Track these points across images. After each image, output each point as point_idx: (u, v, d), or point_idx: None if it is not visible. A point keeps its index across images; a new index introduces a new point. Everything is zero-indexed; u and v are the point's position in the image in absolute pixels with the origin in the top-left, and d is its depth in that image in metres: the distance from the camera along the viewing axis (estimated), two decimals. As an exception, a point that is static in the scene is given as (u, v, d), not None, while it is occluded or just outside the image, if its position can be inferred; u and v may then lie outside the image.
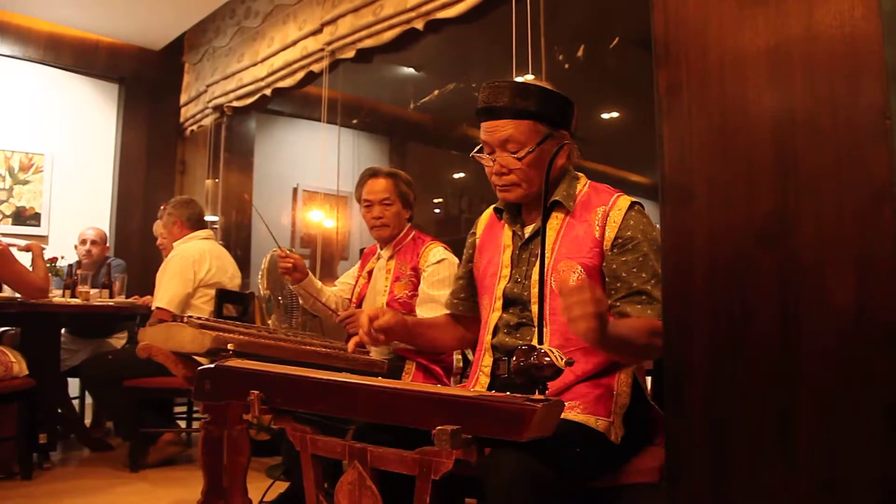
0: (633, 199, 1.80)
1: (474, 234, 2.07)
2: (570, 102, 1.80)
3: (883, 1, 1.07)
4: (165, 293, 3.78)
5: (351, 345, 1.80)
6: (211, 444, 2.07)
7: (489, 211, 2.05)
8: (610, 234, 1.74)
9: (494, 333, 1.84)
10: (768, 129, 1.17)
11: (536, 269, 1.74)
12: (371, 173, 3.08)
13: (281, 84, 5.20)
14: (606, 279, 1.72)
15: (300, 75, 5.01)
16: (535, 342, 1.37)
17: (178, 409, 4.55)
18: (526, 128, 1.74)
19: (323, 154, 5.42)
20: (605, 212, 1.77)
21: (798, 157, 1.14)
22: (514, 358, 1.22)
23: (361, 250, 3.50)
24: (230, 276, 4.04)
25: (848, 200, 1.08)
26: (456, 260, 2.87)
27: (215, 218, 5.93)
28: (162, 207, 4.32)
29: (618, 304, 1.69)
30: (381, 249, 3.11)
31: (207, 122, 6.08)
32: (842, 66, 1.10)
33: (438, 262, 2.89)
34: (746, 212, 1.20)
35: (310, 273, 3.12)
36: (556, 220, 1.81)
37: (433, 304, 2.73)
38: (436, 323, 2.12)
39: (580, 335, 1.43)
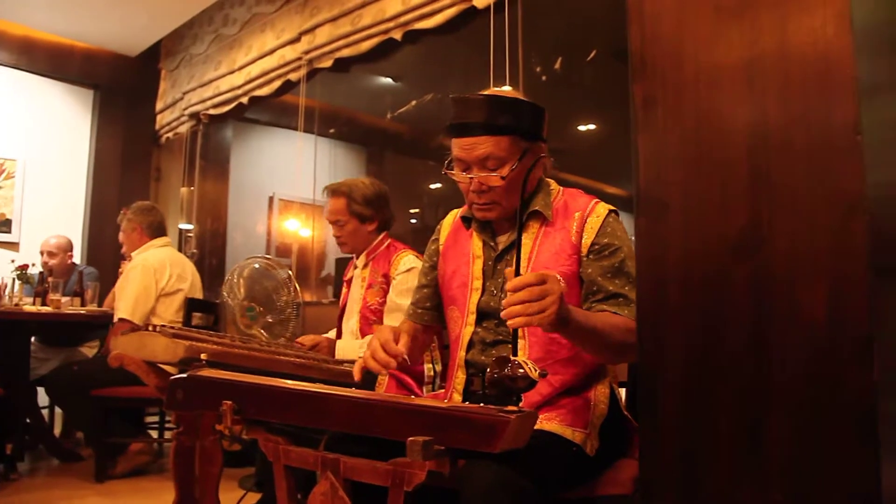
0: (610, 207, 1.80)
1: (437, 240, 2.02)
2: (541, 110, 1.78)
3: (855, 18, 1.08)
4: (128, 304, 3.73)
5: (357, 372, 1.68)
6: (183, 454, 2.04)
7: (452, 217, 2.02)
8: (587, 239, 1.73)
9: (468, 349, 1.82)
10: (743, 144, 1.18)
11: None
12: (329, 192, 3.09)
13: (258, 92, 5.18)
14: (584, 284, 1.72)
15: (277, 84, 5.01)
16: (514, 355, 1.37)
17: (150, 419, 4.49)
18: (506, 144, 1.70)
19: (299, 163, 5.40)
20: (582, 217, 1.76)
21: (772, 172, 1.15)
22: (488, 369, 1.22)
23: (336, 261, 3.51)
24: (189, 284, 4.00)
25: (820, 215, 1.09)
26: None
27: (190, 226, 5.88)
28: (122, 212, 4.25)
29: (593, 305, 1.68)
30: (356, 259, 3.11)
31: (183, 129, 6.05)
32: (815, 81, 1.11)
33: (408, 270, 2.89)
34: (721, 225, 1.20)
35: (328, 339, 3.07)
36: (532, 229, 1.78)
37: (399, 313, 2.72)
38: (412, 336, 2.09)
39: (538, 325, 1.41)
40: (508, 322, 1.37)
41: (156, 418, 4.49)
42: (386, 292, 2.93)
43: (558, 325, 1.42)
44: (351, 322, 3.02)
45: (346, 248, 3.11)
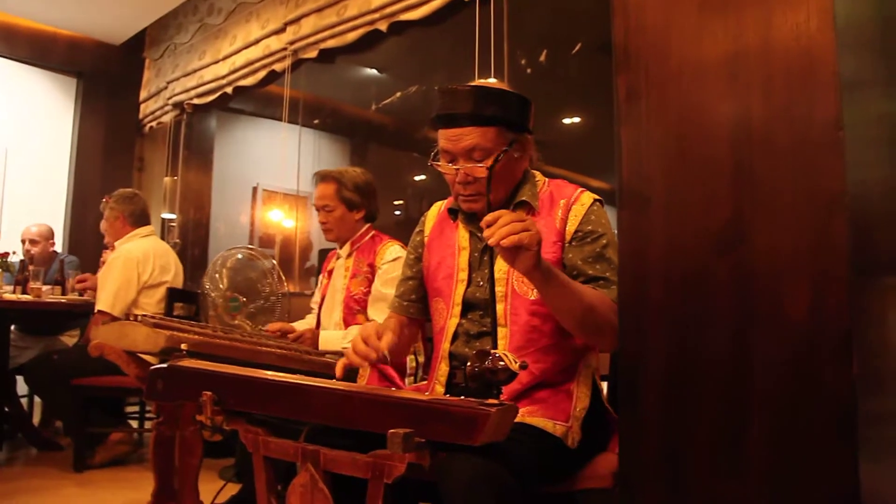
0: (596, 196, 1.80)
1: (421, 232, 2.01)
2: (528, 102, 1.77)
3: (837, 14, 1.08)
4: (108, 295, 3.68)
5: (339, 369, 1.67)
6: (163, 444, 2.03)
7: (437, 209, 2.02)
8: (571, 226, 1.73)
9: (452, 341, 1.81)
10: (726, 138, 1.18)
11: (496, 268, 1.70)
12: (319, 178, 3.08)
13: (242, 82, 5.14)
14: (565, 269, 1.71)
15: (262, 74, 4.97)
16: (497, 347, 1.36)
17: (130, 409, 4.46)
18: (493, 135, 1.69)
19: (283, 154, 5.38)
20: (567, 204, 1.76)
21: (754, 167, 1.15)
22: (469, 363, 1.22)
23: (320, 252, 3.49)
24: (173, 275, 3.95)
25: (802, 211, 1.09)
26: None
27: (173, 216, 5.84)
28: (104, 200, 4.17)
29: None
30: (340, 249, 3.10)
31: (167, 118, 6.00)
32: (798, 77, 1.11)
33: (394, 259, 2.89)
34: (703, 220, 1.20)
35: (294, 327, 3.05)
36: None
37: (384, 302, 2.72)
38: (397, 329, 2.07)
39: (512, 261, 1.43)
40: (491, 241, 1.38)
41: (136, 408, 4.46)
42: (370, 282, 2.92)
43: (540, 264, 1.44)
44: (335, 313, 3.00)
45: (330, 236, 3.09)
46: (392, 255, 2.91)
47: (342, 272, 3.03)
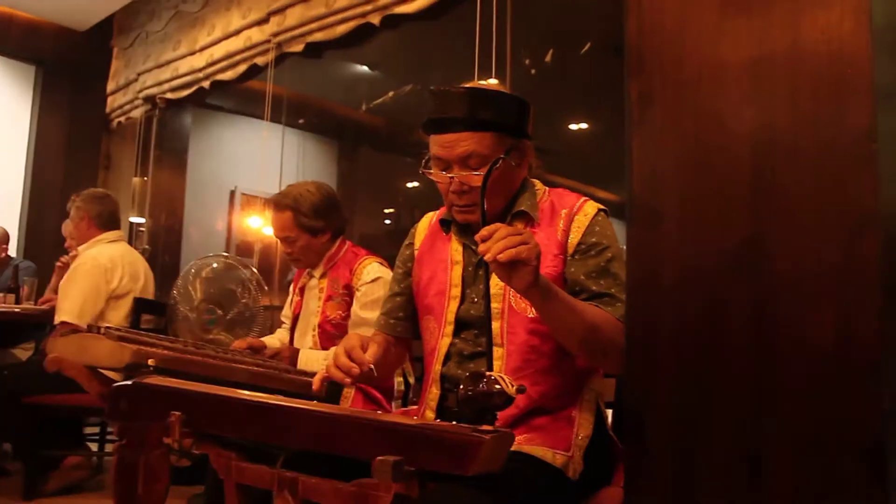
0: (601, 206, 1.81)
1: (411, 244, 2.01)
2: (526, 105, 1.78)
3: (874, 15, 1.08)
4: (73, 305, 3.63)
5: (316, 381, 1.68)
6: (125, 469, 2.01)
7: (428, 220, 2.02)
8: (574, 238, 1.74)
9: (444, 362, 1.81)
10: (746, 148, 1.18)
11: (492, 283, 1.69)
12: (272, 205, 3.03)
13: (221, 76, 5.14)
14: (567, 284, 1.72)
15: (242, 68, 4.97)
16: (497, 370, 1.36)
17: (89, 431, 4.42)
18: (490, 141, 1.70)
19: (264, 155, 5.38)
20: (569, 214, 1.77)
21: (777, 180, 1.15)
22: (461, 386, 1.22)
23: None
24: (143, 285, 3.92)
25: (829, 228, 1.10)
26: None
27: (142, 220, 5.82)
28: (72, 199, 4.14)
29: None
30: (312, 269, 3.07)
31: (137, 113, 5.98)
32: (827, 83, 1.12)
33: (373, 280, 2.85)
34: (720, 237, 1.21)
35: (265, 342, 3.04)
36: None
37: (365, 327, 2.68)
38: (383, 348, 2.07)
39: (508, 278, 1.43)
40: (487, 257, 1.38)
41: (96, 430, 4.42)
42: (349, 305, 2.89)
43: (538, 283, 1.44)
44: (307, 338, 2.97)
45: (299, 265, 3.07)
46: (371, 275, 2.87)
47: (316, 293, 3.00)
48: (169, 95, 5.61)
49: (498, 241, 1.38)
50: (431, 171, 1.78)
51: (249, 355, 2.51)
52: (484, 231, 1.41)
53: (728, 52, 1.22)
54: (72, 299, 3.65)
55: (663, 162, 1.29)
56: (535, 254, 1.42)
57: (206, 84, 5.28)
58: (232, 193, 7.20)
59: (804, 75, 1.14)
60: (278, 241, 3.07)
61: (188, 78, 5.37)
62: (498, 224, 1.42)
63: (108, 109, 6.32)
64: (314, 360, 2.83)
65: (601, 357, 1.66)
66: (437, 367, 1.81)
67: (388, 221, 8.97)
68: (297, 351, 2.94)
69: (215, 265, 3.50)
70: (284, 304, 3.33)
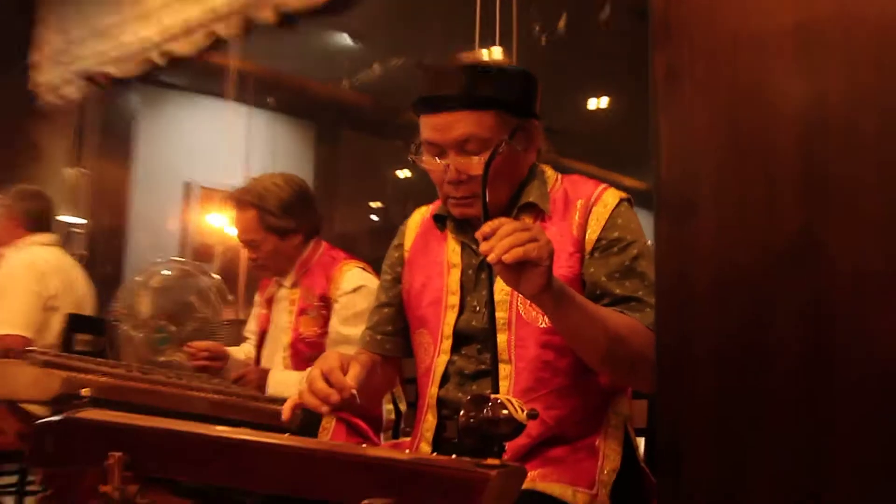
0: (623, 195, 1.81)
1: (400, 245, 2.02)
2: (534, 80, 1.79)
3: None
4: (15, 314, 3.59)
5: (286, 409, 1.65)
6: (55, 525, 2.01)
7: (420, 216, 2.03)
8: (592, 233, 1.74)
9: (442, 384, 1.81)
10: (793, 128, 1.19)
11: (497, 289, 1.69)
12: (234, 202, 3.00)
13: (175, 49, 5.12)
14: (587, 286, 1.72)
15: (202, 39, 4.94)
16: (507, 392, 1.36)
17: (3, 481, 4.36)
18: (490, 122, 1.71)
19: (228, 142, 5.39)
20: (586, 205, 1.77)
21: (831, 164, 1.15)
22: (462, 411, 1.22)
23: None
24: (78, 298, 3.90)
25: (894, 219, 1.10)
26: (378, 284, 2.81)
27: (78, 220, 5.78)
28: None
29: None
30: (281, 276, 3.06)
31: (71, 92, 5.87)
32: (891, 49, 1.12)
33: (355, 289, 2.84)
34: (765, 232, 1.21)
35: (229, 352, 3.03)
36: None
37: (347, 346, 2.64)
38: (369, 369, 2.05)
39: (516, 282, 1.43)
40: (491, 258, 1.36)
41: (12, 479, 4.34)
42: (326, 319, 2.88)
43: (551, 287, 1.44)
44: (276, 360, 2.95)
45: (266, 273, 3.07)
46: (352, 284, 2.86)
47: (286, 305, 2.99)
48: (112, 72, 5.55)
49: (502, 238, 1.38)
50: (423, 157, 1.78)
51: (208, 380, 2.51)
52: (486, 227, 1.40)
53: (769, 18, 1.22)
54: (10, 308, 3.60)
55: (696, 144, 1.29)
56: (548, 252, 1.41)
57: (156, 58, 5.23)
58: (188, 187, 7.21)
59: (862, 42, 1.14)
60: (241, 245, 3.05)
61: (135, 50, 5.32)
62: (502, 219, 1.42)
63: (31, 87, 6.12)
64: (287, 382, 2.79)
65: (629, 373, 1.66)
66: (432, 390, 1.81)
67: (374, 218, 8.99)
68: (266, 372, 2.90)
69: (167, 273, 3.49)
70: (250, 317, 3.32)
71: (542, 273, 1.42)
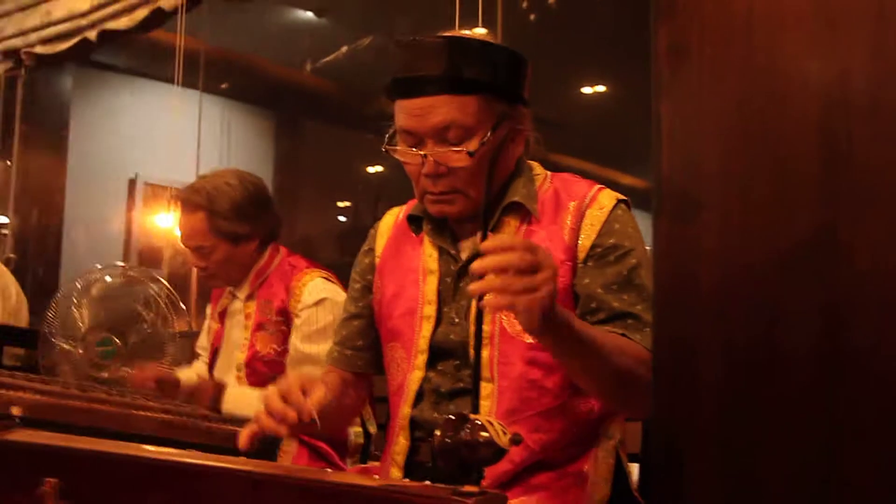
0: (620, 196, 1.81)
1: (371, 250, 2.02)
2: (522, 60, 1.79)
3: None
4: None
5: (244, 437, 1.63)
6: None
7: (393, 217, 2.02)
8: (586, 239, 1.75)
9: (415, 403, 1.82)
10: (813, 113, 1.19)
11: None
12: (181, 203, 2.96)
13: (112, 25, 5.09)
14: (579, 300, 1.73)
15: (142, 13, 4.92)
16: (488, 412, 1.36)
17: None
18: (474, 107, 1.70)
19: (176, 131, 5.37)
20: (579, 208, 1.77)
21: (856, 154, 1.15)
22: (438, 432, 1.22)
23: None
24: (12, 307, 3.88)
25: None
26: (344, 296, 2.76)
27: (4, 219, 5.75)
28: None
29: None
30: (234, 287, 3.04)
31: (-9, 73, 5.87)
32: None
33: (317, 302, 2.82)
34: (777, 233, 1.21)
35: (179, 376, 2.99)
36: (509, 228, 1.79)
37: (310, 366, 2.67)
38: (338, 390, 1.99)
39: (519, 319, 1.41)
40: (482, 304, 1.34)
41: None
42: (286, 335, 2.86)
43: (550, 322, 1.41)
44: (229, 379, 2.91)
45: (216, 282, 3.05)
46: (314, 296, 2.84)
47: (241, 320, 2.98)
48: (39, 50, 5.50)
49: (499, 265, 1.33)
50: (397, 147, 1.78)
51: (156, 397, 2.50)
52: (477, 265, 1.35)
53: (786, -14, 1.23)
54: None
55: (702, 134, 1.29)
56: (548, 292, 1.37)
57: (91, 35, 5.20)
58: (132, 183, 7.19)
59: (891, 15, 1.15)
60: (188, 252, 3.02)
61: (66, 26, 5.28)
62: (501, 239, 1.40)
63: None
64: (246, 400, 2.77)
65: (627, 402, 1.67)
66: (405, 410, 1.82)
67: (342, 218, 8.99)
68: (221, 386, 2.89)
69: (110, 279, 3.47)
70: (202, 331, 3.31)
71: (545, 318, 1.39)
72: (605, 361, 1.56)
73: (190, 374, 3.11)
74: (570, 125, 7.34)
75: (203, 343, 3.23)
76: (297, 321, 2.83)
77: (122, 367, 3.30)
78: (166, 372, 2.97)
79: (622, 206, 1.79)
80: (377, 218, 2.08)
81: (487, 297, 1.33)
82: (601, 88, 7.98)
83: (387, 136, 1.79)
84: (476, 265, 1.35)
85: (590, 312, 1.69)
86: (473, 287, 1.36)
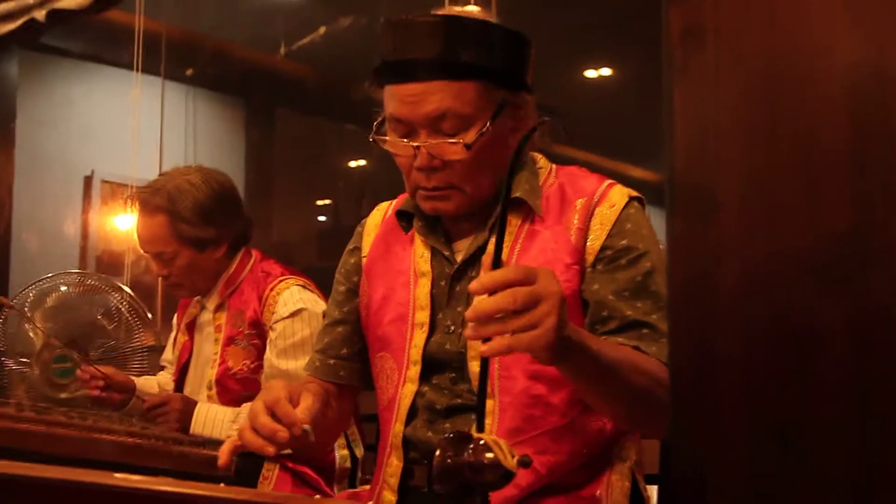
0: (633, 193, 1.82)
1: (357, 249, 2.02)
2: (525, 42, 1.79)
3: None
4: None
5: (224, 453, 1.61)
6: None
7: (381, 214, 2.03)
8: (595, 240, 1.75)
9: (408, 420, 1.82)
10: (843, 99, 1.19)
11: None
12: (139, 204, 2.95)
13: (62, 4, 5.07)
14: (588, 308, 1.74)
15: (96, -9, 4.93)
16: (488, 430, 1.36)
17: None
18: (472, 94, 1.71)
19: (136, 123, 5.36)
20: (587, 206, 1.78)
21: (891, 143, 1.15)
22: (437, 452, 1.22)
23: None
24: None
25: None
26: (323, 306, 2.73)
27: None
28: None
29: (604, 338, 1.68)
30: (203, 297, 3.04)
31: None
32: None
33: (293, 314, 2.82)
34: (805, 232, 1.21)
35: (135, 383, 2.99)
36: (510, 227, 1.80)
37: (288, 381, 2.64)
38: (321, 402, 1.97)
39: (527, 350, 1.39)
40: (482, 349, 1.31)
41: None
42: (260, 350, 2.87)
43: (561, 351, 1.40)
44: (202, 394, 2.93)
45: (182, 292, 3.05)
46: (290, 306, 2.84)
47: (210, 332, 2.98)
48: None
49: (492, 310, 1.32)
50: (387, 138, 1.78)
51: (118, 419, 2.50)
52: (478, 281, 1.33)
53: (810, -38, 1.24)
54: None
55: (720, 123, 1.29)
56: (551, 326, 1.35)
57: (39, 15, 5.16)
58: (87, 180, 7.17)
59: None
60: (148, 258, 3.00)
61: (11, 5, 5.25)
62: (506, 275, 1.35)
63: None
64: (218, 419, 2.77)
65: (643, 425, 1.69)
66: (397, 428, 1.82)
67: (322, 218, 8.96)
68: (191, 403, 2.88)
69: (66, 288, 3.46)
70: (167, 343, 3.30)
71: (550, 352, 1.38)
72: (621, 383, 1.56)
73: (151, 382, 3.10)
74: (575, 112, 7.33)
75: (168, 356, 3.22)
76: (271, 334, 2.83)
77: (81, 387, 3.29)
78: (117, 372, 2.95)
79: (635, 203, 1.79)
80: (360, 217, 2.07)
81: (482, 348, 1.30)
82: (606, 72, 7.97)
83: (375, 124, 1.79)
84: (469, 314, 1.33)
85: (600, 322, 1.70)
86: (468, 334, 1.36)
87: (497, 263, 1.32)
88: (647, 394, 1.58)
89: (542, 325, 1.34)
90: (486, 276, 1.33)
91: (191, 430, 2.75)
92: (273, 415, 1.54)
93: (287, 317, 2.81)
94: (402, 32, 1.73)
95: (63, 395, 3.30)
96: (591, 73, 7.94)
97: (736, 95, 1.28)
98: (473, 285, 1.34)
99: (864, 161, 1.17)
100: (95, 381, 2.88)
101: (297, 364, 2.63)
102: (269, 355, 2.82)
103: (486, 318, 1.32)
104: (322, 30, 6.98)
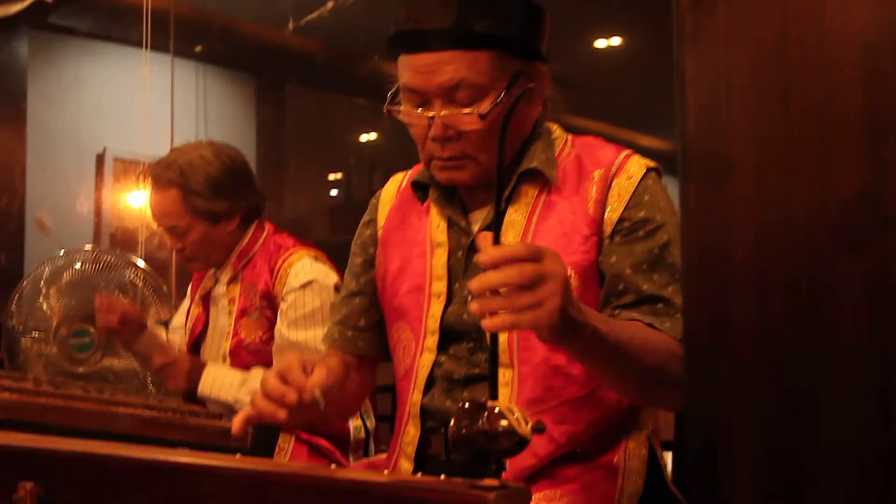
0: (651, 163, 1.81)
1: (373, 221, 2.03)
2: (540, 11, 1.79)
3: None
4: None
5: (237, 424, 1.63)
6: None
7: (397, 184, 2.04)
8: (613, 212, 1.75)
9: (426, 389, 1.83)
10: (857, 64, 1.18)
11: None
12: (152, 179, 2.98)
13: (73, -18, 5.09)
14: (606, 278, 1.73)
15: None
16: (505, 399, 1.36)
17: None
18: (487, 64, 1.71)
19: (146, 101, 5.36)
20: (605, 176, 1.78)
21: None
22: (453, 421, 1.22)
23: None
24: None
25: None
26: (335, 278, 2.82)
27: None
28: None
29: (618, 312, 1.70)
30: (217, 269, 3.07)
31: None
32: None
33: (304, 285, 2.84)
34: (819, 196, 1.21)
35: (148, 324, 3.02)
36: (527, 198, 1.80)
37: (298, 352, 2.65)
38: (340, 374, 1.99)
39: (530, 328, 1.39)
40: (484, 323, 1.32)
41: None
42: (271, 321, 2.89)
43: (564, 332, 1.40)
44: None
45: (196, 265, 3.08)
46: (301, 278, 2.86)
47: (224, 304, 3.01)
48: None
49: (497, 283, 1.32)
50: (401, 108, 1.78)
51: (134, 391, 2.51)
52: (477, 282, 1.34)
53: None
54: None
55: (731, 90, 1.29)
56: (555, 306, 1.35)
57: (49, -5, 5.21)
58: (100, 158, 7.16)
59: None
60: (162, 232, 3.03)
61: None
62: (513, 250, 1.36)
63: None
64: (227, 381, 2.78)
65: (654, 397, 1.69)
66: (415, 397, 1.82)
67: (333, 192, 8.95)
68: (200, 364, 2.93)
69: (80, 265, 3.47)
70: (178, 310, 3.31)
71: (555, 330, 1.38)
72: (631, 363, 1.56)
73: (159, 330, 3.12)
74: (585, 83, 7.30)
75: (178, 322, 3.24)
76: (282, 305, 2.85)
77: (102, 359, 3.30)
78: (133, 309, 2.97)
79: (653, 174, 1.78)
80: (372, 192, 2.07)
81: (485, 322, 1.32)
82: (616, 41, 7.93)
83: (389, 94, 1.79)
84: (473, 284, 1.34)
85: (615, 294, 1.70)
86: (473, 308, 1.35)
87: (497, 232, 1.33)
88: (659, 373, 1.58)
89: (546, 305, 1.34)
90: (493, 250, 1.32)
91: (199, 391, 2.77)
92: (284, 381, 1.55)
93: (298, 288, 2.84)
94: (415, 2, 1.73)
95: (81, 370, 3.31)
96: (601, 43, 7.90)
97: (748, 60, 1.28)
98: (480, 257, 1.33)
99: (878, 124, 1.16)
100: (112, 317, 2.91)
101: (307, 335, 2.65)
102: (280, 326, 2.84)
103: (490, 291, 1.32)
104: (330, 4, 6.94)
